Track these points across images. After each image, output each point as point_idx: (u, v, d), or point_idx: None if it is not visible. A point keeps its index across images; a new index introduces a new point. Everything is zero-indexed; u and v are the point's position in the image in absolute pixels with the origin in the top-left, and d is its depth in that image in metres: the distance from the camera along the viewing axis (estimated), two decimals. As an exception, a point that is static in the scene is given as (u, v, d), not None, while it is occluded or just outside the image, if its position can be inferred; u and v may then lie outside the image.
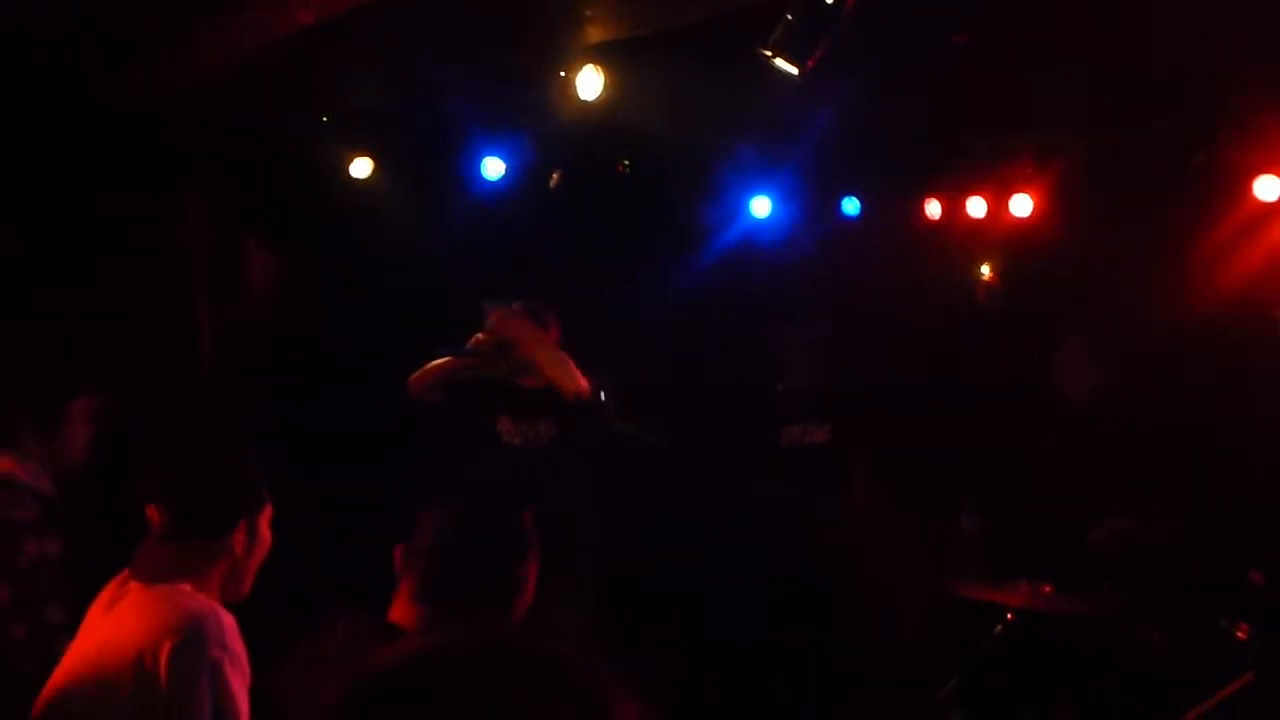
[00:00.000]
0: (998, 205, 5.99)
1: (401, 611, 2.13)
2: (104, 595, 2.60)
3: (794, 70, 3.36)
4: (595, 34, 3.90)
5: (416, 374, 4.30)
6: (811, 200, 6.84)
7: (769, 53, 3.34)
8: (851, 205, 6.69)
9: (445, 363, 4.26)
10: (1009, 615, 4.69)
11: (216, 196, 5.22)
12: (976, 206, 6.09)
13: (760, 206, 6.90)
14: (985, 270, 6.41)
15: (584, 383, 4.08)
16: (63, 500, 3.49)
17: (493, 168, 6.10)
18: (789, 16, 3.27)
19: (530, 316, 4.36)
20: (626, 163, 6.62)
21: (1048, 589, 4.67)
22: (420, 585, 2.12)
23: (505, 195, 6.24)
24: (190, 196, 5.10)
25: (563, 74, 4.14)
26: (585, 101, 4.23)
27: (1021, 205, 5.88)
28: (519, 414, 4.37)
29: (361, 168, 5.81)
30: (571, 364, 4.11)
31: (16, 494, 3.32)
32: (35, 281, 4.66)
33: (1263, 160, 5.07)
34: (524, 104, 5.06)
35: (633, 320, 6.45)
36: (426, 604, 2.10)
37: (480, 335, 4.19)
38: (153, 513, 2.61)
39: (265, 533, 2.72)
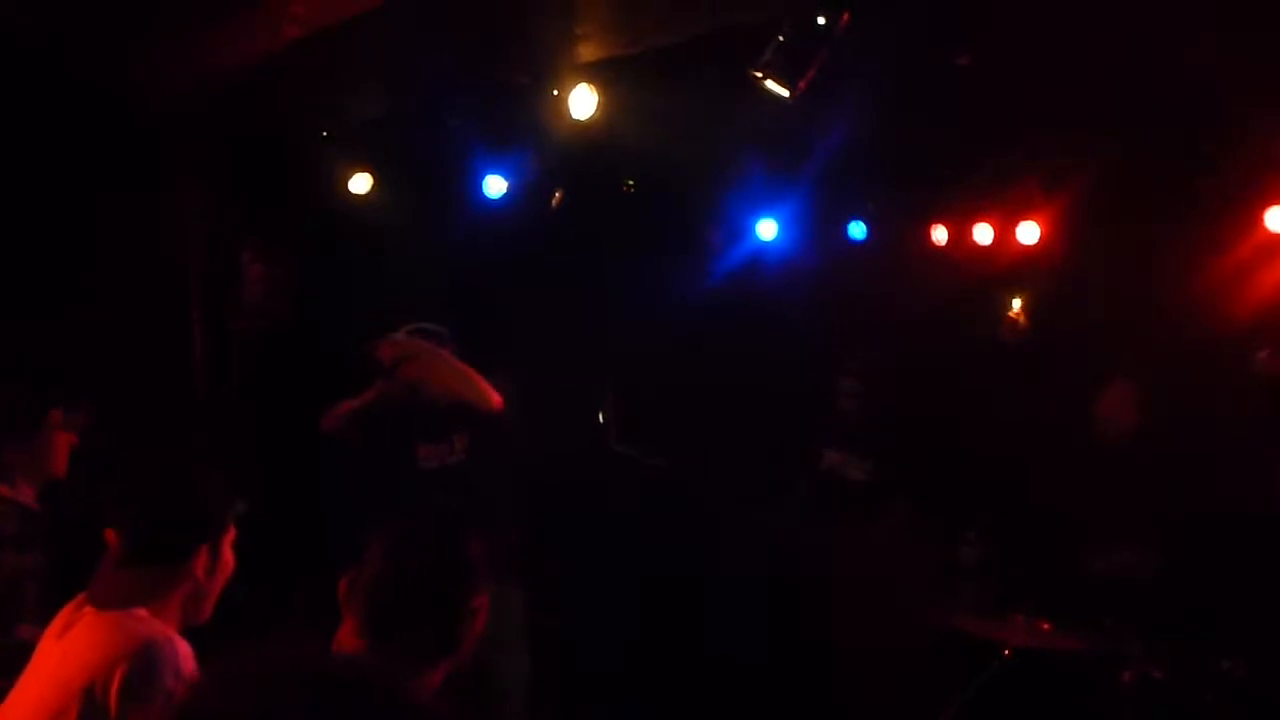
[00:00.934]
0: (1004, 232, 5.90)
1: (344, 644, 2.03)
2: (58, 621, 2.54)
3: (785, 92, 3.29)
4: (588, 52, 3.85)
5: (327, 418, 4.31)
6: (818, 224, 6.77)
7: (760, 74, 3.27)
8: (858, 229, 6.62)
9: (353, 404, 4.26)
10: (1006, 651, 4.59)
11: (214, 207, 5.18)
12: (983, 233, 5.99)
13: (766, 229, 6.84)
14: (1016, 304, 6.26)
15: (496, 397, 4.11)
16: (47, 513, 3.44)
17: (494, 186, 6.04)
18: (780, 38, 3.20)
19: (424, 338, 4.38)
20: (630, 183, 6.57)
21: (1045, 625, 4.58)
22: (363, 619, 2.01)
23: (507, 213, 6.19)
24: (186, 207, 5.07)
25: (555, 93, 4.08)
26: (579, 120, 4.16)
27: (1028, 233, 5.79)
28: (432, 436, 4.38)
29: (361, 183, 5.77)
30: (478, 378, 4.13)
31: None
32: (29, 290, 4.62)
33: (1274, 190, 4.97)
34: (525, 122, 5.01)
35: (635, 341, 6.39)
36: (369, 638, 2.00)
37: (380, 383, 4.20)
38: (111, 537, 2.55)
39: (228, 556, 2.65)
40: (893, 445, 5.42)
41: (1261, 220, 5.00)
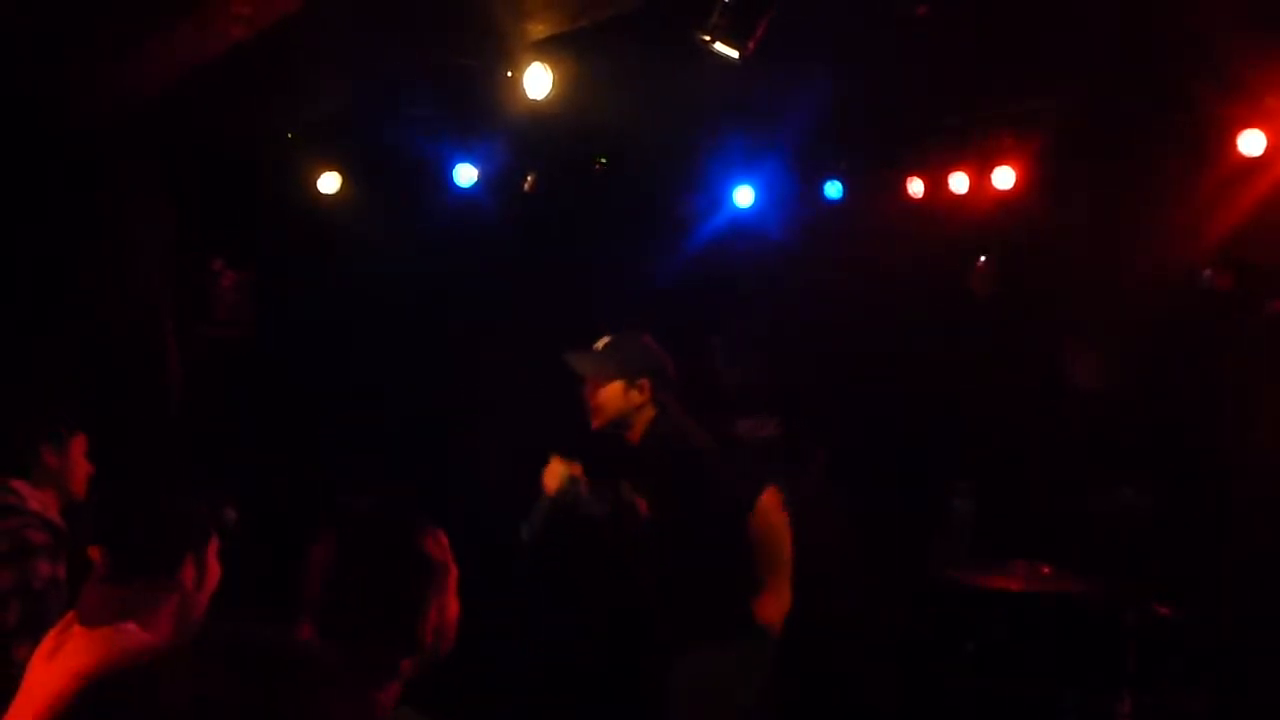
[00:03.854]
0: (980, 180, 5.84)
1: None
2: (47, 642, 2.52)
3: (735, 54, 3.25)
4: (537, 30, 3.80)
5: None
6: (795, 187, 6.72)
7: (708, 37, 3.24)
8: (834, 189, 6.57)
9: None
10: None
11: (180, 218, 5.15)
12: (959, 182, 5.95)
13: (743, 196, 6.80)
14: (982, 258, 6.24)
15: None
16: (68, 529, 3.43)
17: (465, 174, 6.01)
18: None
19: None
20: (602, 160, 6.53)
21: (1046, 569, 4.58)
22: (312, 615, 1.93)
23: (481, 201, 6.17)
24: (152, 219, 5.03)
25: (510, 74, 4.03)
26: (537, 100, 4.12)
27: (1004, 178, 5.74)
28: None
29: (329, 182, 5.73)
30: None
31: (28, 519, 3.28)
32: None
33: (1245, 115, 4.92)
34: (486, 107, 4.96)
35: (619, 318, 6.35)
36: (322, 636, 1.91)
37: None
38: (94, 554, 2.54)
39: (214, 564, 2.65)
40: (796, 401, 5.39)
41: (1234, 145, 4.96)
